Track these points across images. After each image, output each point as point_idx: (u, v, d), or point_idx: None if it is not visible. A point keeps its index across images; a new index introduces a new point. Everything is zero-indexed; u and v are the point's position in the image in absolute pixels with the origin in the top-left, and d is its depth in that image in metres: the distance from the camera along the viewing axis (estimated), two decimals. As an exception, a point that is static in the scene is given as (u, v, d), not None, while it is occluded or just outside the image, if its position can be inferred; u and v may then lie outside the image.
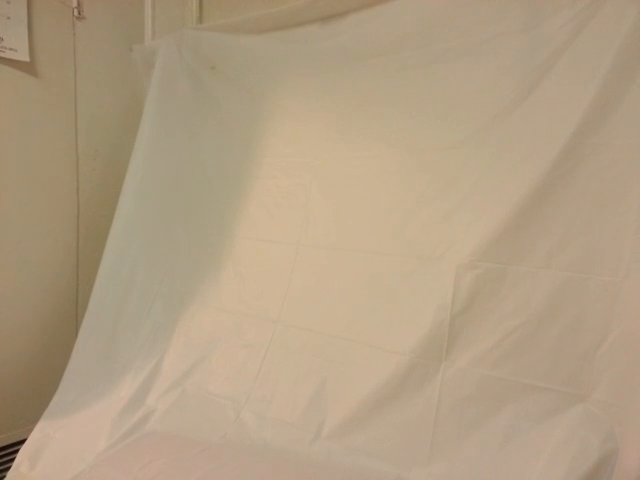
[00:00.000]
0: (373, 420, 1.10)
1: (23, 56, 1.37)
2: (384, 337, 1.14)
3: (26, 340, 1.45)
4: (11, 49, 1.34)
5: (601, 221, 0.94)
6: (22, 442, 1.22)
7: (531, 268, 1.00)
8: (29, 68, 1.40)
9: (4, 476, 1.18)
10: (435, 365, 1.06)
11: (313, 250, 1.31)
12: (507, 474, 0.94)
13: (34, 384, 1.44)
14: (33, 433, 1.22)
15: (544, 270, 0.98)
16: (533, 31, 1.04)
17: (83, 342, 1.37)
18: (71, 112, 1.52)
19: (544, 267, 0.98)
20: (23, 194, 1.41)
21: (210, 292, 1.44)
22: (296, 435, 1.14)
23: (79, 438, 1.20)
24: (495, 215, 1.03)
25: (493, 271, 1.03)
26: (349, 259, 1.24)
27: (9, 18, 1.34)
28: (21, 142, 1.39)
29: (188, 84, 1.56)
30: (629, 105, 0.92)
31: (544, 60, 1.02)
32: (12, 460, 1.18)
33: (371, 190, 1.24)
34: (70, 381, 1.33)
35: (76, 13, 1.51)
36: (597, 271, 0.94)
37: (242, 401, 1.25)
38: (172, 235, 1.53)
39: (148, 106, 1.54)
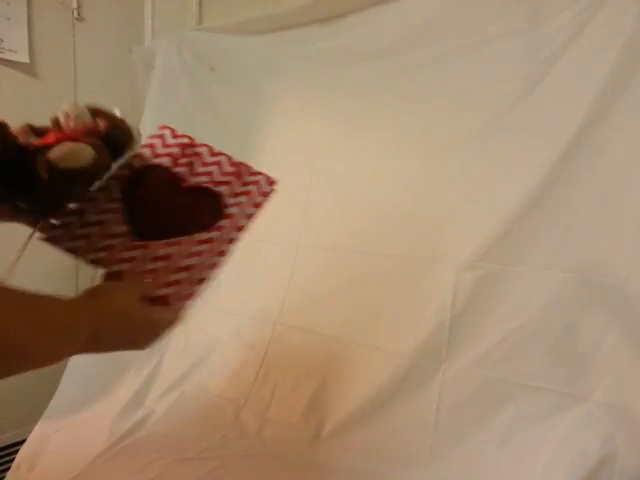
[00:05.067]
0: (373, 421, 1.09)
1: (23, 57, 1.38)
2: (384, 338, 1.14)
3: (26, 341, 1.45)
4: (11, 50, 1.35)
5: (602, 221, 0.94)
6: (21, 442, 1.22)
7: (531, 269, 0.99)
8: (29, 69, 1.40)
9: (4, 476, 1.18)
10: (435, 366, 1.06)
11: (313, 251, 1.31)
12: (507, 475, 0.94)
13: (33, 384, 1.44)
14: (32, 433, 1.22)
15: (544, 271, 0.98)
16: (534, 32, 1.04)
17: (83, 343, 1.37)
18: (71, 113, 1.52)
19: (544, 268, 0.98)
20: (23, 195, 1.42)
21: (209, 293, 1.42)
22: (295, 436, 1.14)
23: (78, 439, 1.20)
24: (495, 216, 1.03)
25: (493, 272, 1.02)
26: (349, 260, 1.24)
27: (9, 19, 1.34)
28: (21, 143, 1.40)
29: (188, 85, 1.56)
30: (630, 105, 0.92)
31: (544, 61, 1.01)
32: (11, 460, 1.18)
33: (371, 190, 1.24)
34: (69, 382, 1.33)
35: (76, 14, 1.51)
36: (598, 272, 0.93)
37: (241, 402, 1.25)
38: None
39: (148, 107, 1.54)
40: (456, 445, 1.00)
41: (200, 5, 1.69)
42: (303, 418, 1.16)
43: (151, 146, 0.69)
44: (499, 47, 1.07)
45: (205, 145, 0.72)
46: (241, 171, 0.72)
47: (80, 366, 1.35)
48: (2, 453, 1.39)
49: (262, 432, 1.18)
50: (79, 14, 1.52)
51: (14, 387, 1.42)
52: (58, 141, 0.52)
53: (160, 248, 0.61)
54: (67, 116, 0.54)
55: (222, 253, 0.67)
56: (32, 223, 0.58)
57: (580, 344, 0.94)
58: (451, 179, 1.12)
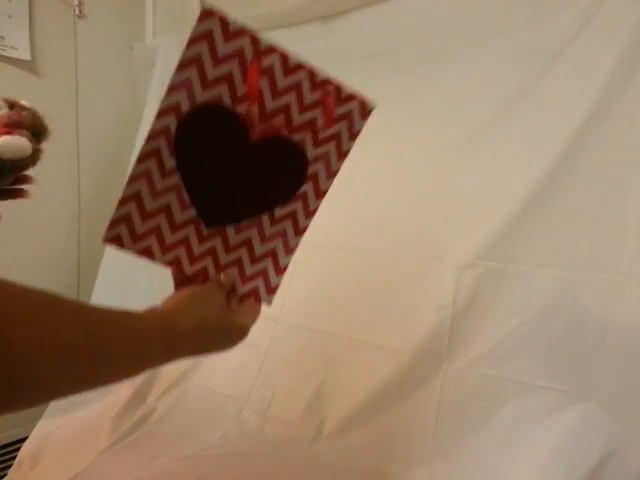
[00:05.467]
0: (374, 419, 1.09)
1: (24, 55, 1.38)
2: (385, 336, 1.14)
3: (27, 338, 1.45)
4: (12, 47, 1.34)
5: (603, 220, 0.94)
6: (23, 440, 1.22)
7: (532, 267, 0.99)
8: (30, 67, 1.40)
9: (5, 474, 1.18)
10: (436, 364, 1.06)
11: (314, 249, 1.30)
12: (508, 473, 0.94)
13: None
14: (34, 431, 1.23)
15: (545, 269, 0.98)
16: (534, 30, 1.03)
17: (84, 341, 1.37)
18: (72, 111, 1.52)
19: (545, 266, 0.98)
20: (24, 193, 1.42)
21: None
22: (297, 434, 1.14)
23: (80, 436, 1.21)
24: (496, 214, 1.03)
25: (494, 270, 1.02)
26: (350, 258, 1.24)
27: (10, 16, 1.34)
28: (22, 141, 1.40)
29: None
30: (631, 104, 0.91)
31: (545, 61, 1.01)
32: (13, 458, 1.18)
33: (371, 189, 1.24)
34: (71, 379, 1.33)
35: (77, 12, 1.51)
36: (598, 270, 0.93)
37: (243, 400, 1.26)
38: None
39: (149, 105, 1.53)
40: (457, 443, 1.00)
41: (201, 3, 1.69)
42: (304, 416, 1.16)
43: (196, 61, 0.44)
44: (499, 46, 1.07)
45: (276, 50, 0.48)
46: (329, 100, 0.52)
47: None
48: (4, 451, 1.40)
49: (263, 430, 1.18)
50: (80, 11, 1.51)
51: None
52: None
53: (238, 232, 0.51)
54: None
55: (301, 232, 0.55)
56: None
57: (581, 342, 0.93)
58: (451, 178, 1.12)
